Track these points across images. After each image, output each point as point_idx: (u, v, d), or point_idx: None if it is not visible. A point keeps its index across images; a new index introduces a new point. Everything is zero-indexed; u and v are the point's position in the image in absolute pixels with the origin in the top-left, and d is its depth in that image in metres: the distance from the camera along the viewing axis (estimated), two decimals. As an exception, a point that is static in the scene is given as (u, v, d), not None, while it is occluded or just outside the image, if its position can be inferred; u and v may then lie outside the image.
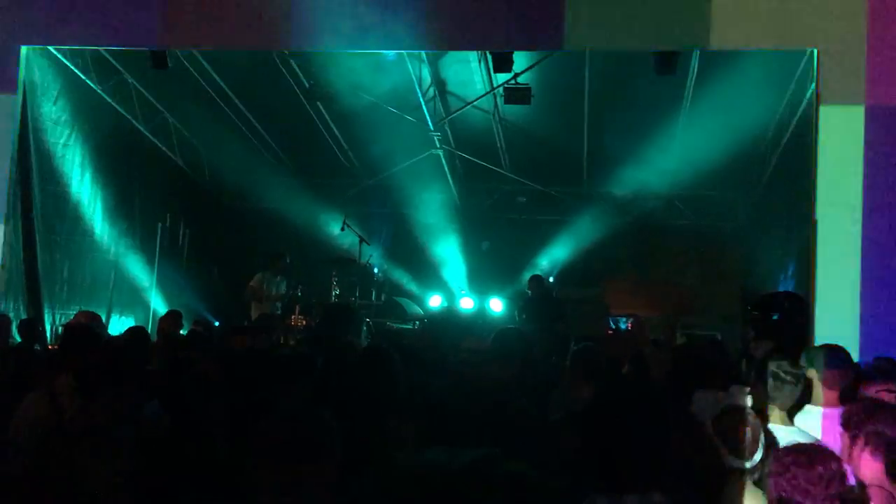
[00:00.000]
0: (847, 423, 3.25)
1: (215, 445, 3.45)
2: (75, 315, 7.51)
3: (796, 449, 2.81)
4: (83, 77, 9.99)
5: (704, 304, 12.18)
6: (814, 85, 7.58)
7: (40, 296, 9.31)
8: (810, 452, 2.72)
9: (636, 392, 4.22)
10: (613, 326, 11.15)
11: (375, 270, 12.30)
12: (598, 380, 4.47)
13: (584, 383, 4.42)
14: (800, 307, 7.75)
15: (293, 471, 2.29)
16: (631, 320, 10.99)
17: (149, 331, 10.40)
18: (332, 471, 2.32)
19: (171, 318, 7.82)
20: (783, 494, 2.61)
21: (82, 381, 3.92)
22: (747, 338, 8.37)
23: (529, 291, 10.41)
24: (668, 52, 8.10)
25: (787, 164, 9.88)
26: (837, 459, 2.70)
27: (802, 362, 4.26)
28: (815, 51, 7.45)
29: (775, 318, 8.18)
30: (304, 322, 10.42)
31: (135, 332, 6.14)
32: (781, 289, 9.01)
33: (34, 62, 9.05)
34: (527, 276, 11.62)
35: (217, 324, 11.04)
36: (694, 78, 9.35)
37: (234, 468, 2.70)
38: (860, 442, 3.13)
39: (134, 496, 2.81)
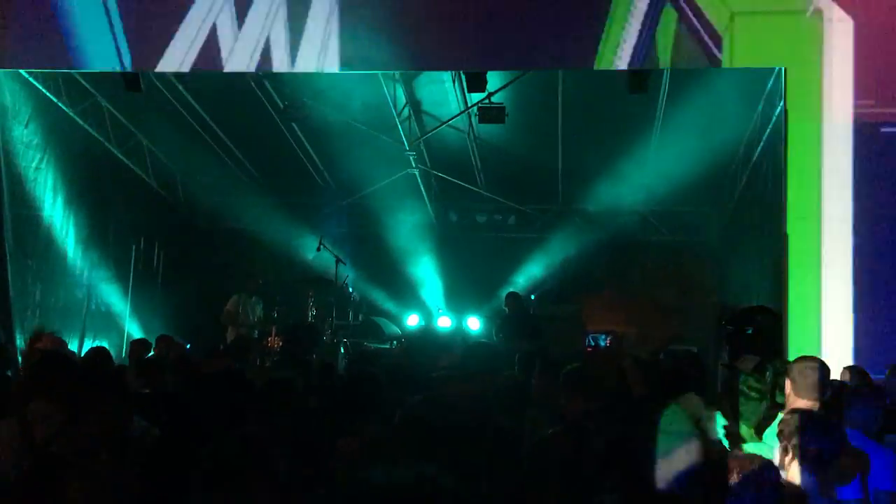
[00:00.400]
0: (780, 434, 3.31)
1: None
2: (39, 338, 7.37)
3: (734, 456, 2.91)
4: (55, 100, 9.92)
5: (681, 320, 12.28)
6: (783, 102, 7.73)
7: (11, 321, 9.17)
8: (745, 460, 2.81)
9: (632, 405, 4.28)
10: (593, 343, 11.19)
11: (352, 290, 12.28)
12: (590, 397, 4.51)
13: (578, 400, 4.45)
14: (773, 321, 7.85)
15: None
16: (609, 337, 11.05)
17: (123, 354, 10.38)
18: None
19: (165, 342, 7.82)
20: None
21: (69, 405, 3.89)
22: (722, 352, 8.48)
23: (506, 309, 10.44)
24: (640, 70, 8.22)
25: (758, 179, 10.03)
26: (773, 468, 2.77)
27: (768, 377, 4.31)
28: (783, 69, 7.61)
29: (749, 332, 8.27)
30: (280, 344, 10.37)
31: (100, 353, 6.14)
32: (755, 303, 9.09)
33: (5, 85, 9.01)
34: (503, 294, 11.65)
35: (189, 346, 10.95)
36: (665, 96, 9.47)
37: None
38: (790, 453, 3.19)
39: None
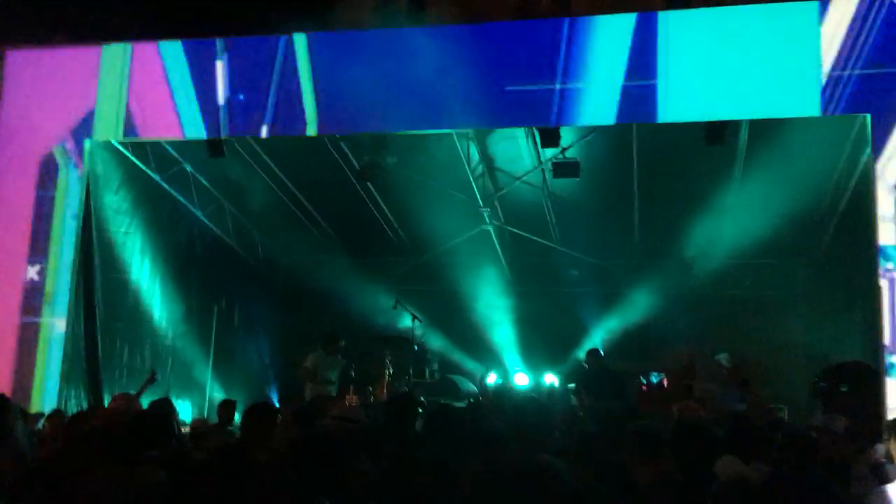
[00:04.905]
0: None
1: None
2: (113, 399, 7.52)
3: None
4: (143, 167, 10.32)
5: (769, 377, 11.78)
6: (869, 148, 7.47)
7: (100, 382, 9.45)
8: None
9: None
10: (645, 382, 10.70)
11: (428, 348, 12.25)
12: (662, 458, 4.28)
13: (647, 463, 4.23)
14: (869, 377, 7.46)
15: None
16: (663, 376, 10.52)
17: (205, 412, 10.56)
18: None
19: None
20: None
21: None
22: (816, 410, 8.09)
23: (587, 365, 10.18)
24: (718, 121, 8.08)
25: (847, 229, 9.67)
26: None
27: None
28: (868, 116, 7.38)
29: (844, 389, 7.88)
30: (357, 402, 10.38)
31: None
32: (848, 359, 8.67)
33: (97, 154, 9.42)
34: (581, 350, 11.43)
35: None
36: (745, 146, 9.28)
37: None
38: None
39: None
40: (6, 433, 4.39)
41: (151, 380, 8.36)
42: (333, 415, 5.38)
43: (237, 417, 7.70)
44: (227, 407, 7.94)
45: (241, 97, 8.73)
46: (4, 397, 4.84)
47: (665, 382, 10.45)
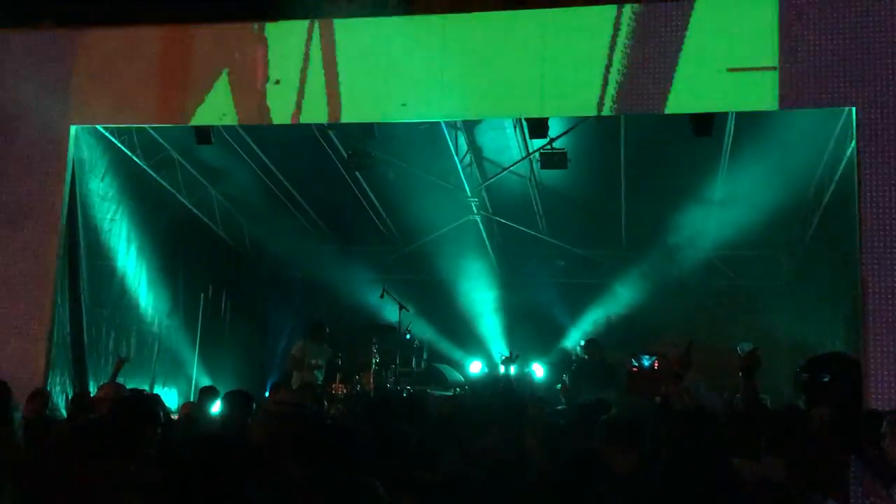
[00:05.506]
0: None
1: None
2: (100, 388, 7.48)
3: None
4: (130, 154, 10.25)
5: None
6: (853, 142, 7.52)
7: (86, 369, 9.42)
8: None
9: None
10: (636, 364, 10.72)
11: (415, 337, 12.28)
12: (640, 446, 4.29)
13: (623, 453, 4.24)
14: (851, 368, 7.53)
15: None
16: (655, 359, 10.53)
17: (191, 399, 10.55)
18: None
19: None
20: None
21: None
22: (798, 401, 8.17)
23: (586, 356, 10.18)
24: (705, 114, 8.12)
25: (831, 222, 9.75)
26: None
27: None
28: (854, 109, 7.42)
29: (826, 380, 7.95)
30: (344, 390, 10.43)
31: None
32: (831, 350, 8.76)
33: (82, 140, 9.34)
34: (567, 340, 11.49)
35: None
36: (731, 138, 9.33)
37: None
38: None
39: None
40: (6, 421, 4.36)
41: (119, 365, 8.28)
42: (276, 399, 5.35)
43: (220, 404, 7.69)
44: (207, 394, 7.96)
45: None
46: (5, 385, 4.81)
47: (656, 365, 10.43)
